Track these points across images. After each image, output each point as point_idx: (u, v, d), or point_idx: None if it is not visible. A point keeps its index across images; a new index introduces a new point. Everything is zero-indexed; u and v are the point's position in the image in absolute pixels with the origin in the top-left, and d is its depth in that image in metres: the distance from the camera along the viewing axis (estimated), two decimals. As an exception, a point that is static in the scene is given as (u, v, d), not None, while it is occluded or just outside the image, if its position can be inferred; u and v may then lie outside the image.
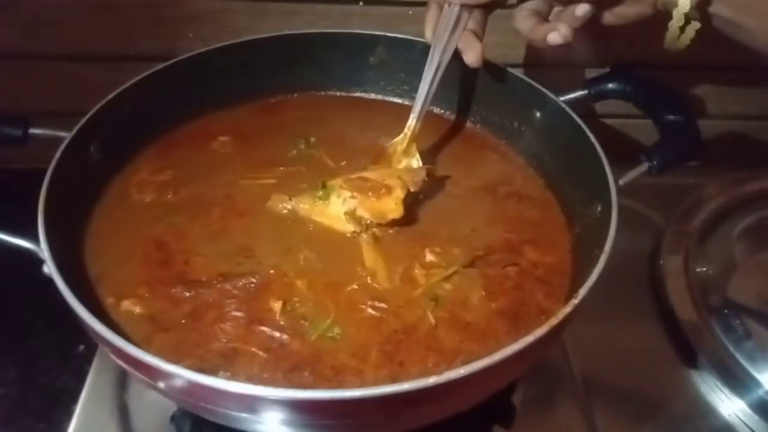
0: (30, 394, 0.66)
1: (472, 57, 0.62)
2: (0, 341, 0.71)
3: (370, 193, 0.59)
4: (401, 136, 0.66)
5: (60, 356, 0.69)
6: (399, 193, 0.58)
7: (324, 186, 0.61)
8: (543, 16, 0.62)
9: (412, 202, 0.62)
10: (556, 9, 0.61)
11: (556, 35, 0.59)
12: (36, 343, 0.71)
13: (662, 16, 0.58)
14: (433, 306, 0.54)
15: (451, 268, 0.56)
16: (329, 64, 0.77)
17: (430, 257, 0.57)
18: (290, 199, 0.61)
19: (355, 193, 0.59)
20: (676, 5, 0.55)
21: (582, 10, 0.58)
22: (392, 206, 0.59)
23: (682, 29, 0.57)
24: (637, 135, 0.95)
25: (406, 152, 0.65)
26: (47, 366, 0.69)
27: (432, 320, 0.53)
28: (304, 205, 0.61)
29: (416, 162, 0.66)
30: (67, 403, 0.65)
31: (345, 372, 0.49)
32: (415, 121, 0.65)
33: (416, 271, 0.56)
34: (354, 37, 0.76)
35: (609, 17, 0.60)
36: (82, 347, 0.70)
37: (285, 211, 0.61)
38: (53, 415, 0.64)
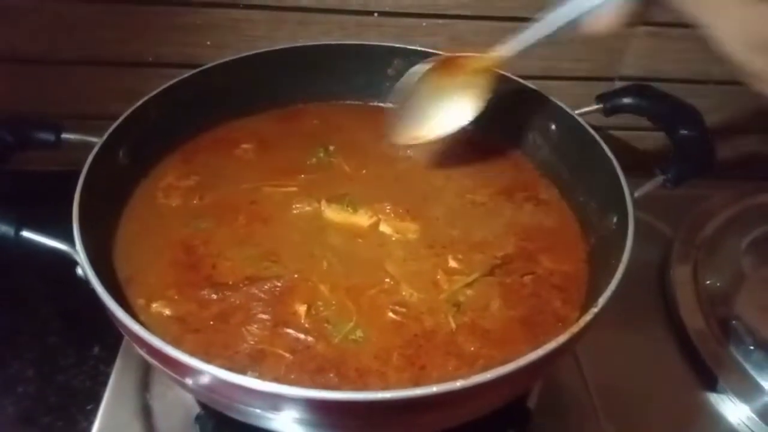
0: (47, 393, 0.68)
1: (604, 20, 0.52)
2: (19, 339, 0.72)
3: (392, 215, 0.62)
4: (484, 56, 0.60)
5: (76, 356, 0.71)
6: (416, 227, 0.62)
7: (355, 210, 0.63)
8: None
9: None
10: None
11: None
12: (53, 342, 0.72)
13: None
14: (455, 311, 0.55)
15: (473, 275, 0.58)
16: (347, 74, 0.79)
17: (452, 263, 0.59)
18: (318, 202, 0.64)
19: (380, 216, 0.62)
20: None
21: None
22: (412, 229, 0.62)
23: None
24: (645, 146, 0.97)
25: (479, 75, 0.61)
26: (64, 365, 0.70)
27: (453, 325, 0.54)
28: (329, 210, 0.63)
29: (478, 96, 0.62)
30: (83, 403, 0.66)
31: (369, 374, 0.51)
32: (514, 49, 0.58)
33: (439, 276, 0.58)
34: (372, 49, 0.78)
35: None
36: (97, 348, 0.71)
37: (308, 209, 0.64)
38: (70, 414, 0.66)
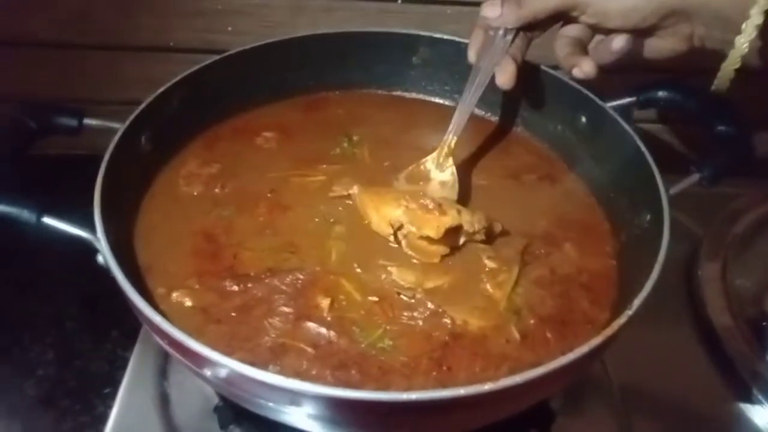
0: (66, 377, 0.68)
1: (502, 78, 0.62)
2: (39, 323, 0.72)
3: (421, 202, 0.57)
4: (437, 151, 0.63)
5: (94, 340, 0.71)
6: (447, 220, 0.56)
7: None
8: (583, 45, 0.61)
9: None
10: (597, 38, 0.61)
11: (578, 71, 0.59)
12: (71, 326, 0.72)
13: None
14: (516, 319, 0.53)
15: (514, 270, 0.55)
16: (371, 62, 0.77)
17: (489, 264, 0.56)
18: (354, 187, 0.61)
19: (411, 203, 0.57)
20: (732, 46, 0.54)
21: (618, 44, 0.57)
22: (433, 225, 0.55)
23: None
24: (676, 140, 0.94)
25: (440, 166, 0.64)
26: (82, 349, 0.70)
27: (517, 337, 0.52)
28: (362, 194, 0.61)
29: (451, 175, 0.64)
30: (100, 387, 0.67)
31: (391, 372, 0.50)
32: (452, 135, 0.63)
33: (488, 285, 0.55)
34: (397, 37, 0.76)
35: (644, 52, 0.60)
36: (115, 332, 0.71)
37: (343, 193, 0.62)
38: (88, 398, 0.66)
